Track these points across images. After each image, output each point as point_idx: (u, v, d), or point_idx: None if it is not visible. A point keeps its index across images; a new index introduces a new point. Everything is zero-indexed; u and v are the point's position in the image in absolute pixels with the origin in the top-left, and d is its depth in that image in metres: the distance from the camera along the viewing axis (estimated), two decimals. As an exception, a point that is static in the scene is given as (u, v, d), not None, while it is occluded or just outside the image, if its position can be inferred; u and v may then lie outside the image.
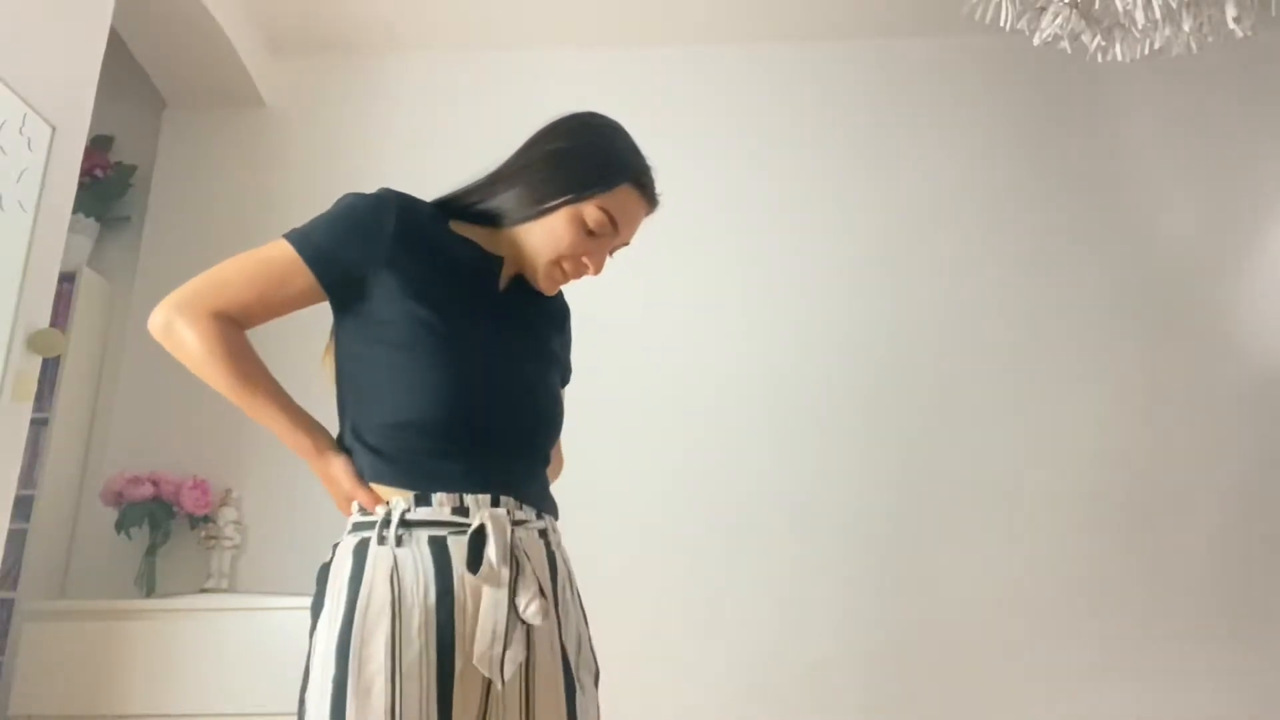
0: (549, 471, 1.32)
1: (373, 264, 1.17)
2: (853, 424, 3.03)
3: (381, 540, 1.11)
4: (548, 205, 1.21)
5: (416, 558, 1.10)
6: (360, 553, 1.12)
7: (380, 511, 1.14)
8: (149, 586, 2.83)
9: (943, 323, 3.10)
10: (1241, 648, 2.78)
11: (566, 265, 1.24)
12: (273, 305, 1.18)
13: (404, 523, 1.12)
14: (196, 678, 2.49)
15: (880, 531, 2.93)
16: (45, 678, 2.50)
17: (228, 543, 2.88)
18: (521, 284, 1.29)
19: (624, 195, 1.23)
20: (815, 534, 2.93)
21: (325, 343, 1.29)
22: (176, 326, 1.16)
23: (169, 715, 2.46)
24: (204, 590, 2.82)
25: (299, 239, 1.19)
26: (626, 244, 1.29)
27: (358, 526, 1.16)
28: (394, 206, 1.20)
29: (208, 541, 2.89)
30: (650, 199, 1.27)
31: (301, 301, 1.19)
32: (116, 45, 2.88)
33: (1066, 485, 2.93)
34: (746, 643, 2.84)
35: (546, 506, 1.24)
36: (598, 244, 1.23)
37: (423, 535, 1.12)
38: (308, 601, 2.63)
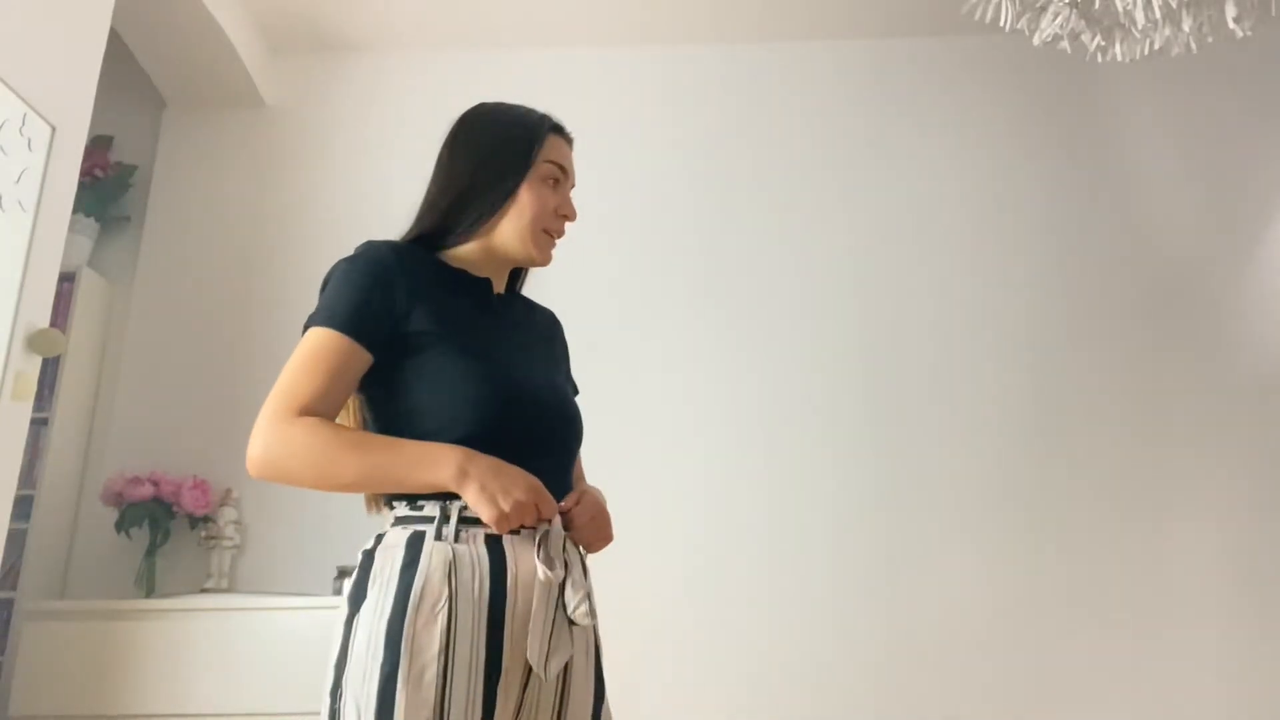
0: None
1: (399, 303, 1.20)
2: (850, 427, 3.03)
3: (440, 535, 1.14)
4: (510, 191, 1.29)
5: (474, 555, 1.13)
6: (415, 545, 1.14)
7: (435, 508, 1.16)
8: (149, 586, 2.83)
9: (941, 324, 3.10)
10: (1244, 647, 2.78)
11: (550, 226, 1.32)
12: (339, 388, 1.17)
13: (462, 520, 1.15)
14: (196, 678, 2.49)
15: (880, 536, 2.93)
16: (45, 678, 2.50)
17: (228, 543, 2.88)
18: (510, 302, 1.37)
19: (553, 143, 1.33)
20: (813, 539, 2.93)
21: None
22: (285, 439, 1.13)
23: (169, 715, 2.46)
24: (204, 590, 2.82)
25: (325, 318, 1.19)
26: (574, 185, 1.38)
27: (408, 519, 1.17)
28: (390, 252, 1.24)
29: (208, 541, 2.89)
30: (567, 137, 1.37)
31: (358, 373, 1.19)
32: (116, 45, 2.88)
33: (1066, 485, 2.93)
34: (746, 647, 2.84)
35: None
36: (558, 193, 1.33)
37: (479, 533, 1.15)
38: (307, 601, 2.63)
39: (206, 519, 2.91)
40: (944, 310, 3.12)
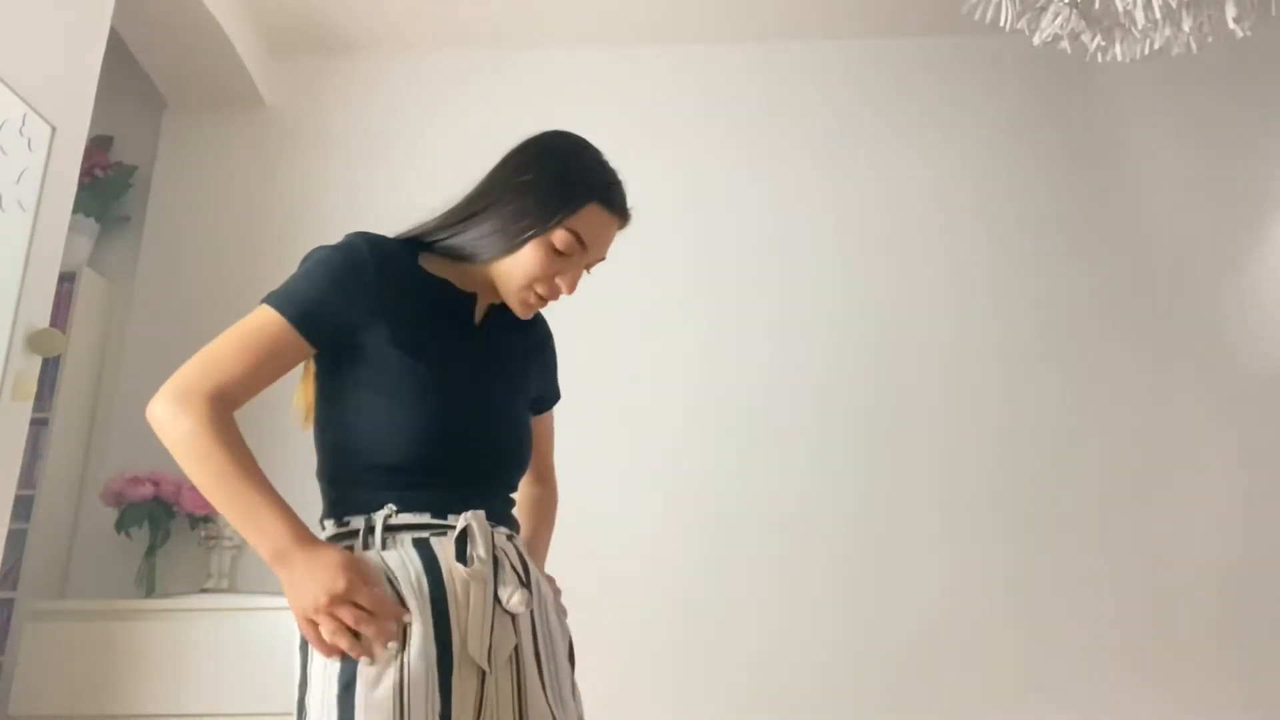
0: (546, 506, 1.47)
1: (358, 314, 1.19)
2: (848, 428, 3.03)
3: (367, 545, 1.16)
4: (516, 242, 1.22)
5: (404, 558, 1.14)
6: None
7: (360, 521, 1.17)
8: (149, 586, 2.83)
9: (939, 326, 3.10)
10: (1241, 651, 2.78)
11: (540, 289, 1.25)
12: (267, 373, 1.17)
13: (387, 528, 1.16)
14: (196, 678, 2.49)
15: (876, 538, 2.93)
16: (45, 678, 2.49)
17: (228, 543, 2.88)
18: (498, 315, 1.32)
19: (590, 214, 1.23)
20: (810, 540, 2.93)
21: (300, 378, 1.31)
22: (179, 421, 1.11)
23: (169, 715, 2.46)
24: (204, 590, 2.82)
25: (281, 302, 1.18)
26: (602, 259, 1.29)
27: (337, 537, 1.20)
28: (367, 253, 1.21)
29: (208, 541, 2.89)
30: (618, 213, 1.27)
31: (294, 363, 1.20)
32: (116, 45, 2.87)
33: (1065, 489, 2.93)
34: (741, 649, 2.84)
35: (505, 522, 1.29)
36: (568, 263, 1.24)
37: (406, 537, 1.16)
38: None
39: (206, 519, 2.90)
40: (943, 309, 3.12)
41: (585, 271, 1.29)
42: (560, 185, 1.23)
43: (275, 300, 1.18)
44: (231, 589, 2.87)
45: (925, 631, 2.83)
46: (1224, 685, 2.75)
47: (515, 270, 1.23)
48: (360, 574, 1.09)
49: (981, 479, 2.96)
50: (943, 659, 2.80)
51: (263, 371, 1.16)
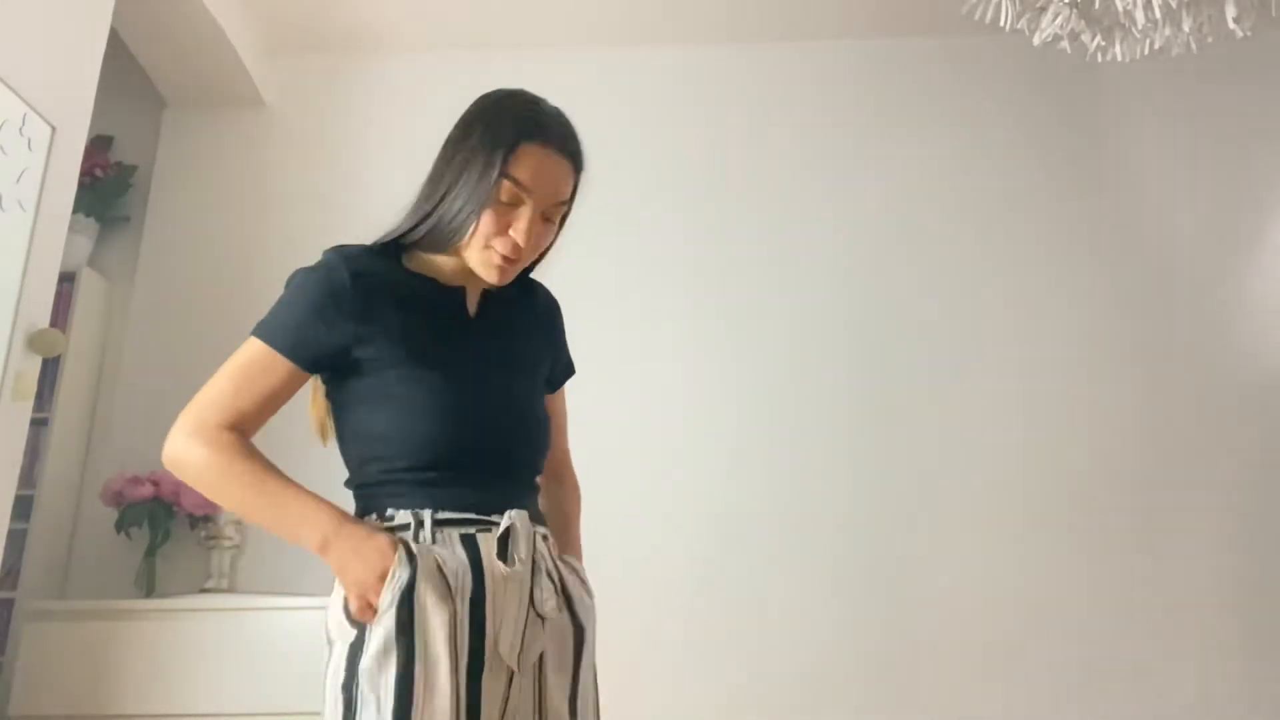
0: (570, 506, 1.43)
1: (344, 334, 1.20)
2: (848, 427, 3.03)
3: (417, 539, 1.17)
4: (476, 215, 1.20)
5: (454, 553, 1.17)
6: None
7: (407, 516, 1.18)
8: (149, 586, 2.83)
9: (939, 325, 3.10)
10: (1244, 648, 2.78)
11: (497, 245, 1.21)
12: (269, 402, 1.21)
13: (436, 522, 1.18)
14: (196, 678, 2.49)
15: (877, 535, 2.93)
16: (45, 678, 2.50)
17: (228, 543, 2.88)
18: (493, 300, 1.31)
19: (525, 155, 1.20)
20: (811, 537, 2.93)
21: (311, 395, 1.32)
22: (192, 451, 1.18)
23: (169, 715, 2.46)
24: (204, 590, 2.82)
25: (266, 332, 1.21)
26: (561, 203, 1.25)
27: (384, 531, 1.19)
28: (344, 272, 1.21)
29: (208, 541, 2.89)
30: (555, 145, 1.22)
31: (294, 388, 1.22)
32: (116, 45, 2.88)
33: (1066, 488, 2.93)
34: (742, 646, 2.84)
35: (539, 520, 1.30)
36: (516, 213, 1.20)
37: (454, 533, 1.18)
38: (308, 601, 2.62)
39: (206, 519, 2.91)
40: (941, 310, 3.12)
41: (550, 223, 1.25)
42: (488, 141, 1.20)
43: (262, 332, 1.21)
44: (231, 589, 2.87)
45: (926, 631, 2.83)
46: (1224, 687, 2.75)
47: (474, 243, 1.21)
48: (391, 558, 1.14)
49: (981, 480, 2.96)
50: (945, 658, 2.81)
51: (264, 402, 1.20)
